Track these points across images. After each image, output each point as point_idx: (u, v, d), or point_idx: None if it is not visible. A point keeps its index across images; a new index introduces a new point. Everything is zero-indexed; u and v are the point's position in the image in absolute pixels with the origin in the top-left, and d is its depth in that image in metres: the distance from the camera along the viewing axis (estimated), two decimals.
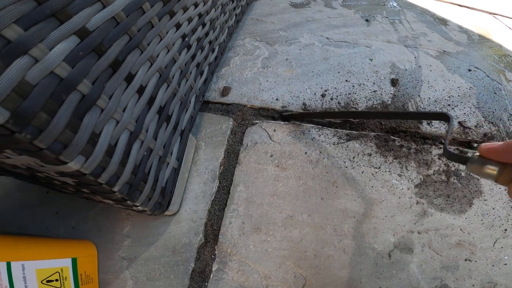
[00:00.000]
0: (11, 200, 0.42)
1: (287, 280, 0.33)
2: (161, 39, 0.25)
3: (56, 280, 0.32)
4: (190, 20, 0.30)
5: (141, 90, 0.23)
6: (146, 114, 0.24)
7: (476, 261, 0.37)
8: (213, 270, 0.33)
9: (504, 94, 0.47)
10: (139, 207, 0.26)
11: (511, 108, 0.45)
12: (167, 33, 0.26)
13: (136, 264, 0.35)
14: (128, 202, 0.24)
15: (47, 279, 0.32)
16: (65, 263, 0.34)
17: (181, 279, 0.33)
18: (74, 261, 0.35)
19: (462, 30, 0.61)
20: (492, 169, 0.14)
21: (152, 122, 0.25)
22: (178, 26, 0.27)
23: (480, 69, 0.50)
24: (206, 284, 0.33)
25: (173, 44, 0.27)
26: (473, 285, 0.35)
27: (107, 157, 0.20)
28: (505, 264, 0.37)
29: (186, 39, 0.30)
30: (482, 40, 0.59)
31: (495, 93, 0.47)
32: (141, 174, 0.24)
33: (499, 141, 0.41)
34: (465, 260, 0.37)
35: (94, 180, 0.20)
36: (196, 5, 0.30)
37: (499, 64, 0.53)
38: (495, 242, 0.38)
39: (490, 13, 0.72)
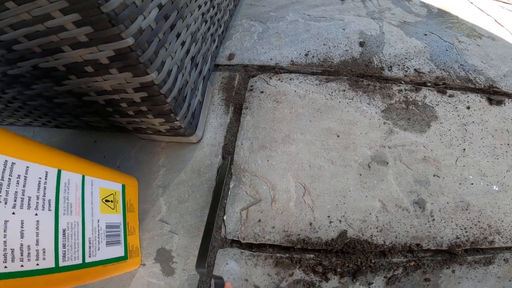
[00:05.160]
0: None
1: (289, 190, 0.46)
2: (191, 14, 0.42)
3: (111, 201, 0.37)
4: (205, 3, 0.48)
5: (182, 44, 0.40)
6: (185, 58, 0.41)
7: (444, 178, 0.48)
8: (231, 187, 0.47)
9: (456, 51, 0.65)
10: (177, 122, 0.42)
11: (462, 60, 0.63)
12: (194, 11, 0.43)
13: (169, 190, 0.49)
14: (172, 115, 0.40)
15: (106, 198, 0.36)
16: (118, 187, 0.40)
17: (205, 196, 0.47)
18: (123, 188, 0.41)
19: (424, 4, 0.81)
20: None
21: (188, 65, 0.42)
22: (199, 7, 0.45)
23: (434, 34, 0.69)
24: (225, 201, 0.46)
25: (197, 18, 0.44)
26: (448, 203, 0.44)
27: (167, 76, 0.36)
28: (472, 184, 0.47)
29: (204, 16, 0.47)
30: (441, 13, 0.79)
31: (447, 50, 0.65)
32: (182, 95, 0.40)
33: (450, 82, 0.57)
34: (434, 175, 0.48)
35: (157, 91, 0.35)
36: None
37: (453, 30, 0.71)
38: (456, 160, 0.50)
39: None
